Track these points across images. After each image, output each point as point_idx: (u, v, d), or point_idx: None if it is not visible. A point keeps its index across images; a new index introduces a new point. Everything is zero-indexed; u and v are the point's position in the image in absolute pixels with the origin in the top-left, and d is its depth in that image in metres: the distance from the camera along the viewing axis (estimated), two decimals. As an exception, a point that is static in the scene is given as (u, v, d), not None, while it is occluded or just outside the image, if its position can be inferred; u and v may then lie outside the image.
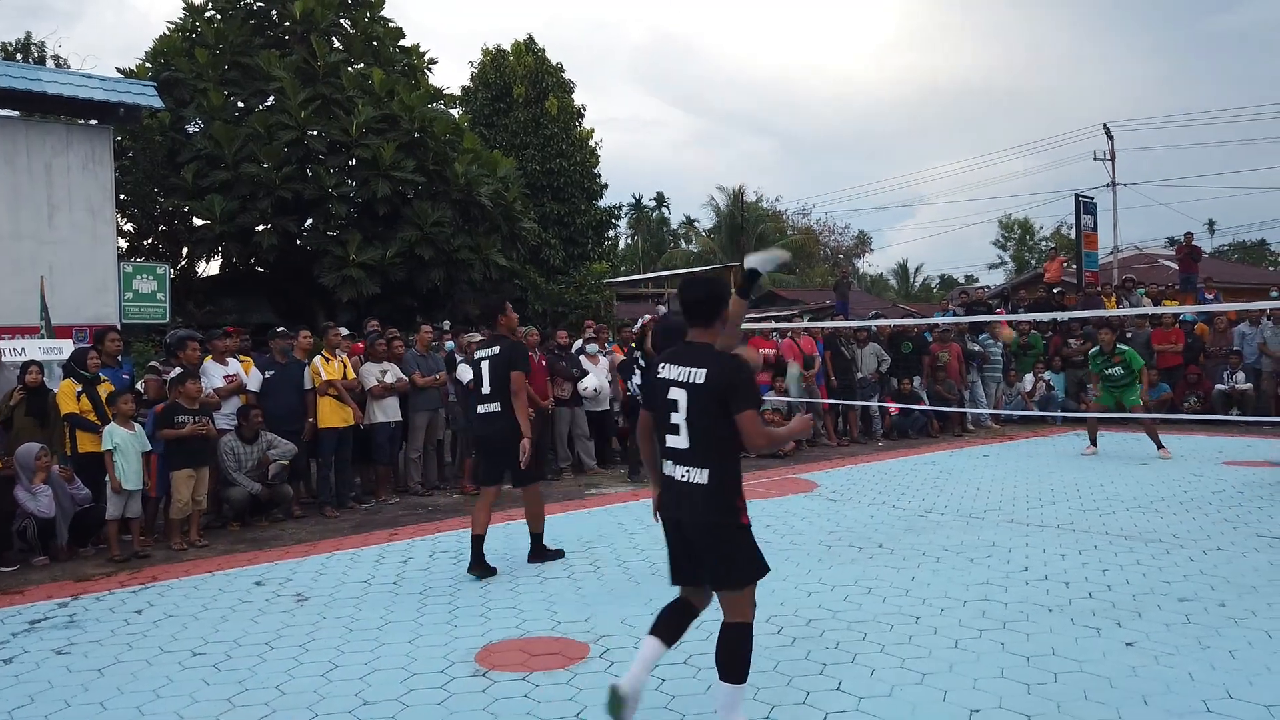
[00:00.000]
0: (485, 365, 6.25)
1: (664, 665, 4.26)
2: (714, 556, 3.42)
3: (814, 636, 4.66)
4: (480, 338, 10.13)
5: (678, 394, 3.44)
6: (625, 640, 4.67)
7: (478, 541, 6.10)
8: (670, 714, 3.77)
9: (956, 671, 4.14)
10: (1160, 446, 10.75)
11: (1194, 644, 4.40)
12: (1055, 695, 3.84)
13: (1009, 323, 15.00)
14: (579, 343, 11.52)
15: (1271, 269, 51.58)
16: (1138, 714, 3.64)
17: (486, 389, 6.23)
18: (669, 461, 3.51)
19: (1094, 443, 11.40)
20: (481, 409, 6.30)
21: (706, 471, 3.40)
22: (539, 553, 6.44)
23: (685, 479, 3.43)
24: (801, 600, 5.30)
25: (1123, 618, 4.83)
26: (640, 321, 12.21)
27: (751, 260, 4.57)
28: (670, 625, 3.57)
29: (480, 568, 6.06)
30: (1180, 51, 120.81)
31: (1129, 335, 15.29)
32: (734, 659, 3.36)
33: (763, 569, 3.47)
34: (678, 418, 3.44)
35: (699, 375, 3.40)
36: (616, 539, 7.10)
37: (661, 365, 3.57)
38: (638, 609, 5.18)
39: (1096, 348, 11.53)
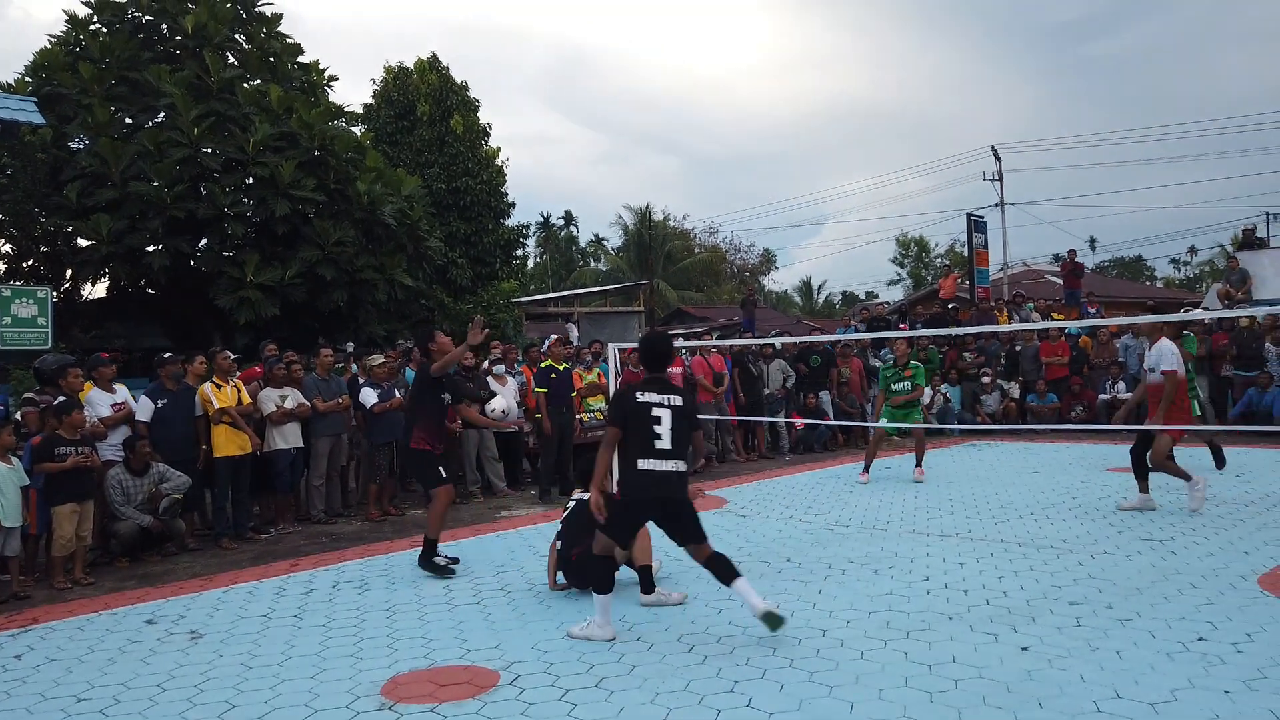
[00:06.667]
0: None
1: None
2: (687, 520, 5.00)
3: (725, 654, 4.70)
4: (382, 359, 10.09)
5: (661, 412, 4.96)
6: (536, 667, 4.61)
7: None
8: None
9: (862, 683, 4.23)
10: (918, 466, 10.53)
11: (1084, 646, 4.60)
12: (956, 702, 3.95)
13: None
14: (486, 363, 11.39)
15: (1148, 283, 54.70)
16: (1033, 717, 3.78)
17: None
18: (651, 459, 4.90)
19: (867, 470, 10.53)
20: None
21: (683, 463, 5.00)
22: (428, 559, 6.69)
23: (673, 469, 4.93)
24: (713, 618, 5.34)
25: (1018, 623, 5.02)
26: (548, 340, 12.16)
27: None
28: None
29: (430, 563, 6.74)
30: (1061, 76, 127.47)
31: (1018, 349, 15.98)
32: (726, 569, 4.91)
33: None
34: (661, 429, 4.92)
35: (677, 399, 5.06)
36: (527, 562, 7.03)
37: (639, 393, 5.02)
38: (549, 634, 5.14)
39: (892, 359, 11.13)
